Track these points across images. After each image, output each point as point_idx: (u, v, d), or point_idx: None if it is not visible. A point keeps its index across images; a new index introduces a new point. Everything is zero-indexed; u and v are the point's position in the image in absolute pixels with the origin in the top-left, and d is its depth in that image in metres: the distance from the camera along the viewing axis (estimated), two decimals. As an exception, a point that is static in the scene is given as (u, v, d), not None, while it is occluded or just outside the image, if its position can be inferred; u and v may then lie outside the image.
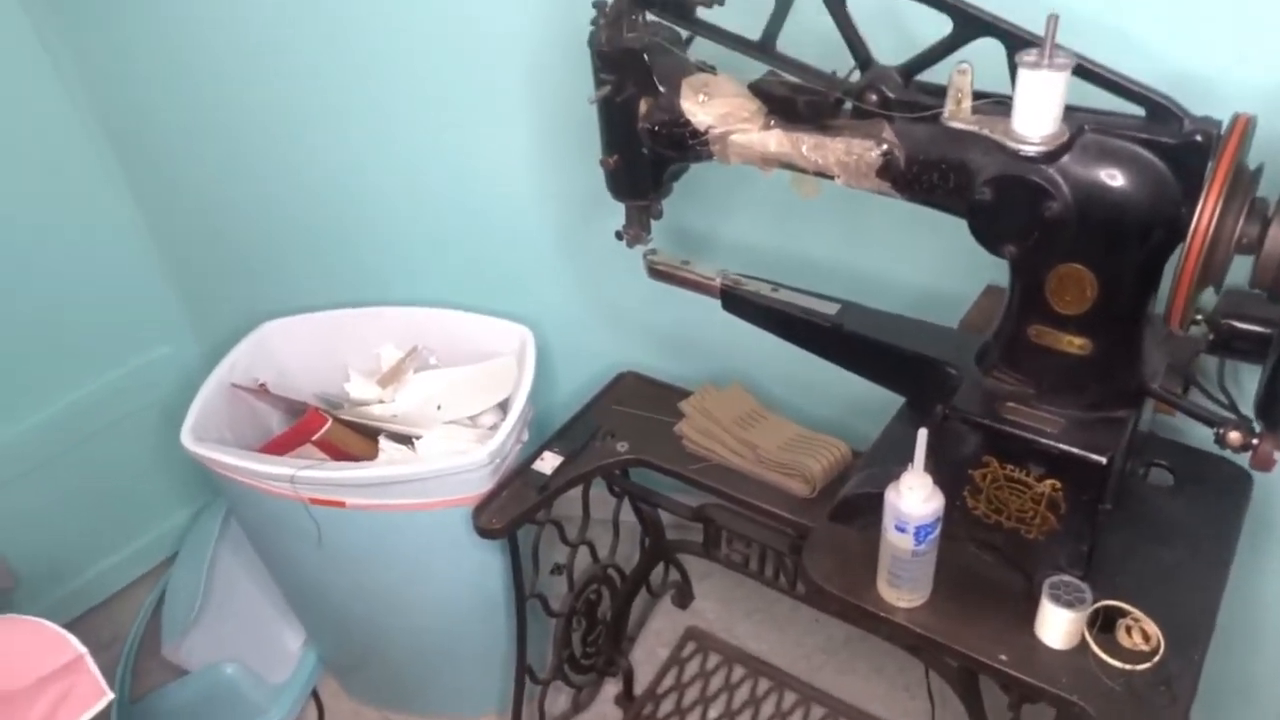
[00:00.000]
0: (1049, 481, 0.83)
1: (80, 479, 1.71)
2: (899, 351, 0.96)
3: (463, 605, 1.46)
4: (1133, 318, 0.79)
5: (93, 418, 1.70)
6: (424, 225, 1.52)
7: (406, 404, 1.52)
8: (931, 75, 0.82)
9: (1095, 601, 0.86)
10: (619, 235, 1.06)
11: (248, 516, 1.46)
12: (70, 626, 0.94)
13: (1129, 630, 0.87)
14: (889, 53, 0.83)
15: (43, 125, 1.55)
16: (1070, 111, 0.74)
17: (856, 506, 0.98)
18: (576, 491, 1.37)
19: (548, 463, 1.33)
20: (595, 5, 0.90)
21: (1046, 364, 0.83)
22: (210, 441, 1.38)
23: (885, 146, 0.81)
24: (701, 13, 0.88)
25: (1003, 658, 0.87)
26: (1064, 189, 0.73)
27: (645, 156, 0.97)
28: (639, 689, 1.63)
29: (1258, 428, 0.76)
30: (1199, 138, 0.70)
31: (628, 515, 1.52)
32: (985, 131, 0.74)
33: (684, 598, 1.78)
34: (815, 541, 1.00)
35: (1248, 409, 0.95)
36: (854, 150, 0.83)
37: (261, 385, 1.51)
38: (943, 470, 0.88)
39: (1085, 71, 0.72)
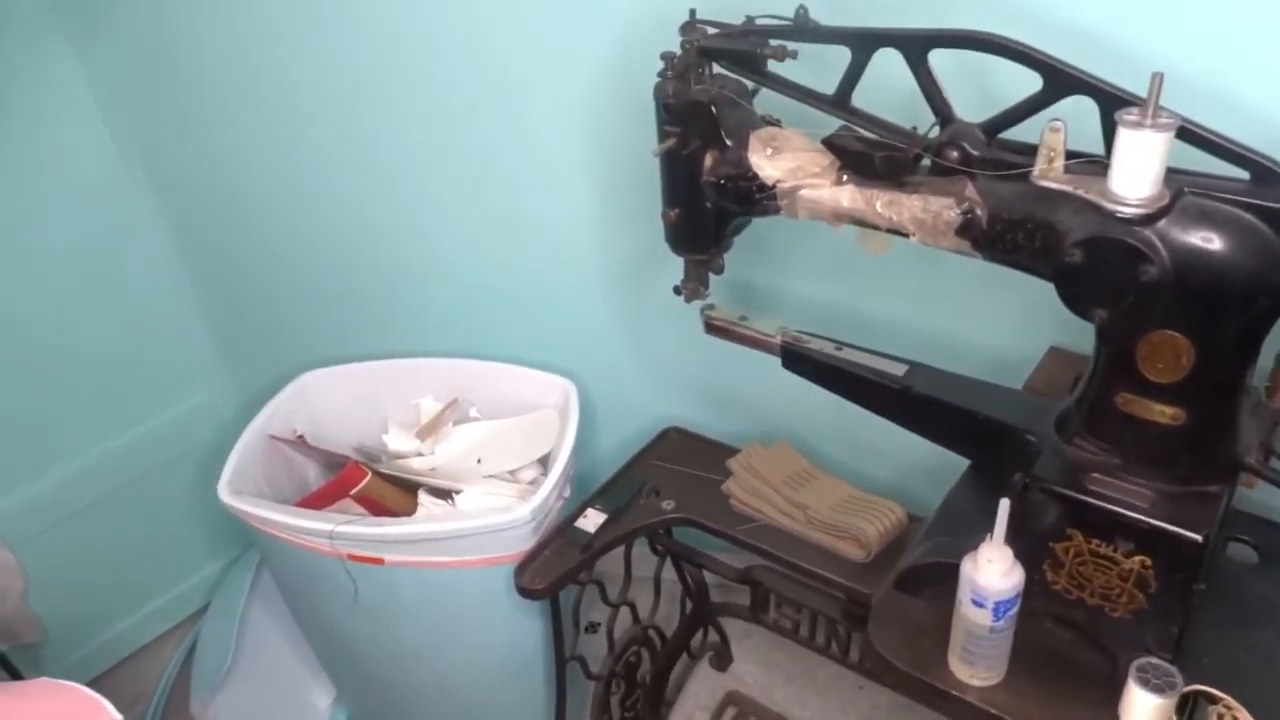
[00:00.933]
0: (1138, 558, 0.79)
1: (111, 531, 1.69)
2: (973, 415, 0.92)
3: (499, 666, 1.42)
4: (1229, 388, 0.75)
5: (126, 468, 1.69)
6: (466, 276, 1.50)
7: (446, 457, 1.50)
8: (1013, 134, 0.79)
9: (1184, 686, 0.81)
10: (677, 290, 1.03)
11: (282, 571, 1.43)
12: (96, 682, 0.91)
13: (1220, 718, 0.82)
14: (969, 110, 0.80)
15: (86, 170, 1.55)
16: (1169, 174, 0.70)
17: (924, 576, 0.94)
18: (618, 549, 1.33)
19: (591, 520, 1.30)
20: (663, 57, 0.88)
21: (1135, 434, 0.79)
22: (247, 494, 1.36)
23: (966, 205, 0.78)
24: (773, 65, 0.86)
25: (1086, 744, 0.82)
26: (1162, 252, 0.70)
27: (708, 210, 0.95)
28: (678, 756, 1.57)
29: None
30: (1309, 202, 0.66)
31: (668, 573, 1.47)
32: (1080, 192, 0.71)
33: (723, 660, 1.73)
34: (881, 612, 0.95)
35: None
36: (932, 208, 0.80)
37: (300, 436, 1.49)
38: (1020, 542, 0.84)
39: (1186, 132, 0.68)
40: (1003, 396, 0.95)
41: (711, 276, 1.06)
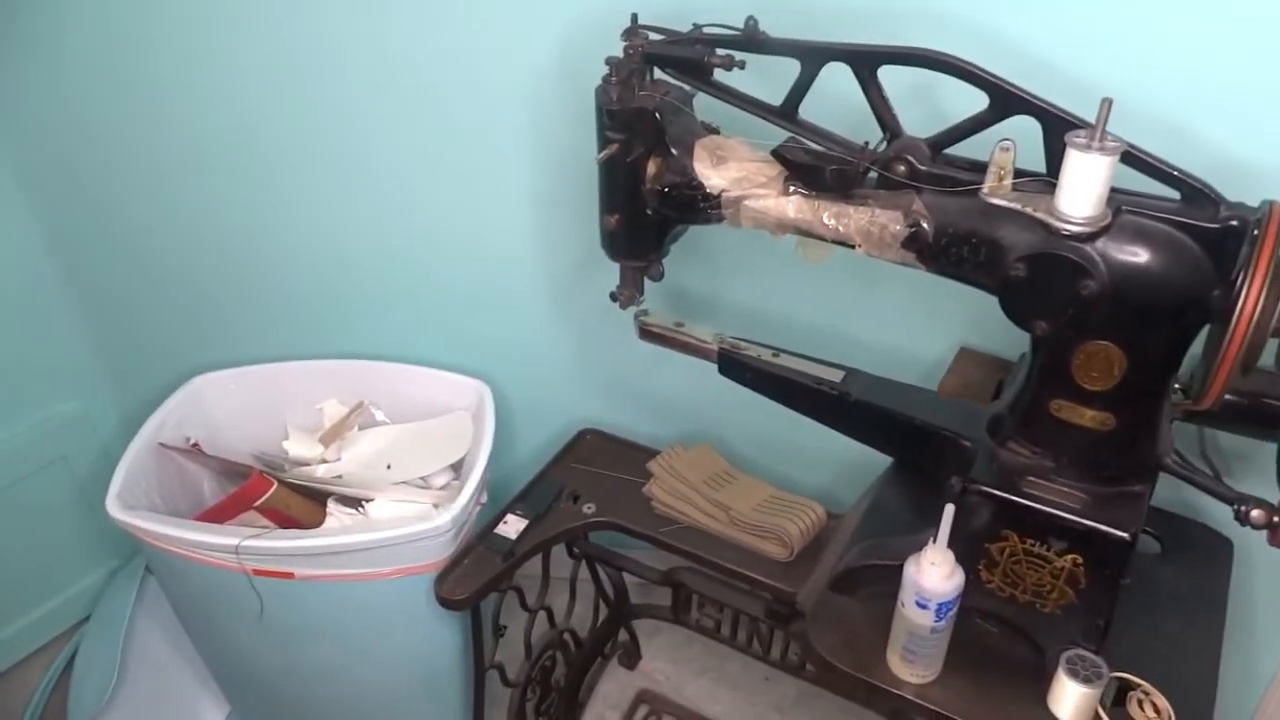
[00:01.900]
0: (1070, 556, 0.83)
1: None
2: (910, 421, 0.94)
3: (414, 679, 1.38)
4: (1156, 394, 0.80)
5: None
6: (372, 275, 1.44)
7: (353, 463, 1.44)
8: (957, 150, 0.82)
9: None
10: (613, 296, 1.02)
11: (177, 588, 1.35)
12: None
13: (1140, 704, 0.87)
14: (917, 125, 0.82)
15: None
16: (1110, 192, 0.74)
17: (861, 577, 0.96)
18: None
19: (512, 527, 1.27)
20: (608, 62, 0.87)
21: (1067, 438, 0.83)
22: (138, 507, 1.27)
23: (913, 218, 0.80)
24: (720, 75, 0.86)
25: (1018, 735, 0.85)
26: (1101, 268, 0.73)
27: (649, 218, 0.94)
28: (591, 757, 1.57)
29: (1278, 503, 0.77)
30: (1235, 223, 0.71)
31: (583, 574, 1.47)
32: (1027, 209, 0.74)
33: (632, 658, 1.73)
34: (817, 614, 0.97)
35: (1230, 478, 0.99)
36: (879, 220, 0.82)
37: (193, 444, 1.40)
38: (956, 543, 0.87)
39: (1127, 154, 0.72)
40: (934, 402, 0.98)
41: (647, 282, 1.05)
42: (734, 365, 1.02)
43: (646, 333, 1.07)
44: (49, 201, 1.50)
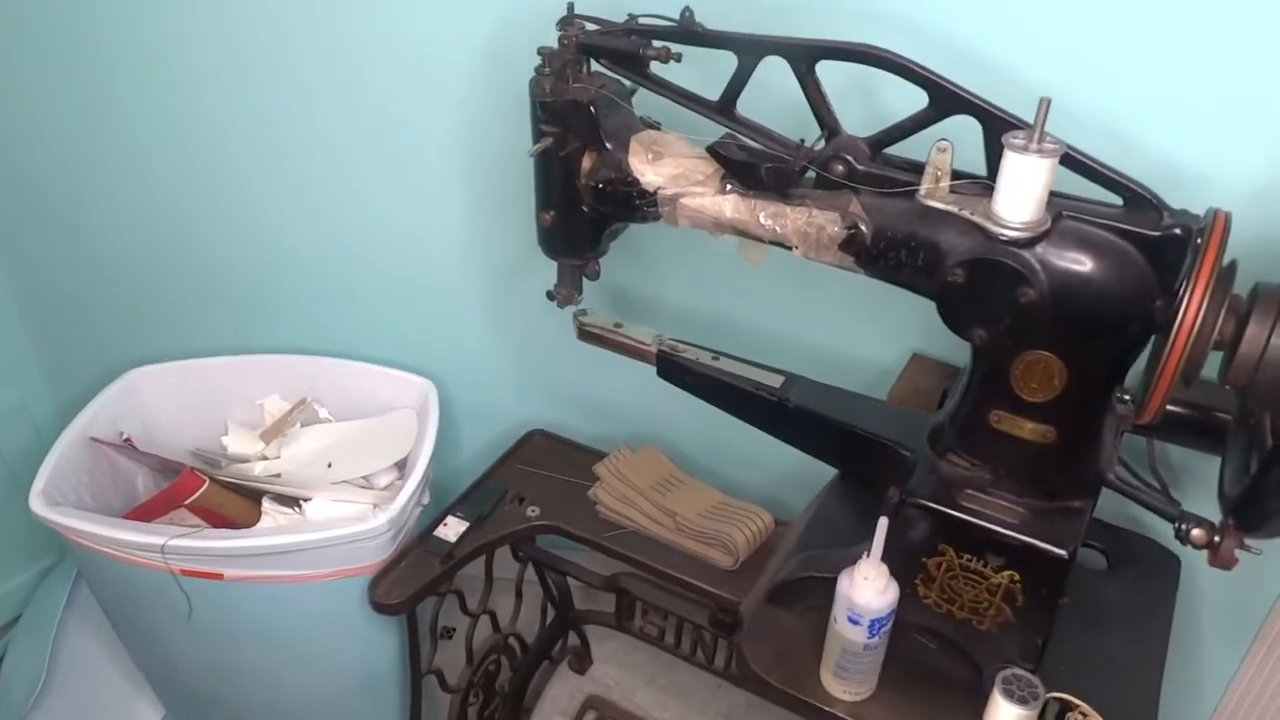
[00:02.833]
0: (1008, 573, 0.80)
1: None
2: (850, 430, 0.91)
3: (350, 683, 1.34)
4: (1098, 407, 0.77)
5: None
6: (316, 270, 1.40)
7: (293, 462, 1.40)
8: (898, 150, 0.79)
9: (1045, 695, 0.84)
10: (550, 295, 0.98)
11: (105, 588, 1.31)
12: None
13: (1078, 724, 0.84)
14: (857, 124, 0.79)
15: None
16: (1050, 197, 0.71)
17: (797, 590, 0.93)
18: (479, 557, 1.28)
19: (452, 529, 1.24)
20: (540, 52, 0.83)
21: (1006, 450, 0.80)
22: (66, 504, 1.23)
23: (850, 220, 0.77)
24: (656, 68, 0.83)
25: (952, 756, 0.83)
26: (1040, 275, 0.70)
27: (585, 214, 0.90)
28: (537, 764, 1.53)
29: (1219, 523, 0.75)
30: (1178, 231, 0.68)
31: (530, 578, 1.43)
32: (964, 212, 0.71)
33: (582, 663, 1.70)
34: (753, 627, 0.94)
35: (1180, 494, 0.97)
36: (816, 221, 0.79)
37: (126, 440, 1.35)
38: (892, 556, 0.84)
39: (1066, 157, 0.69)
40: (877, 410, 0.95)
41: (587, 282, 1.02)
42: (672, 368, 0.99)
43: (585, 333, 1.03)
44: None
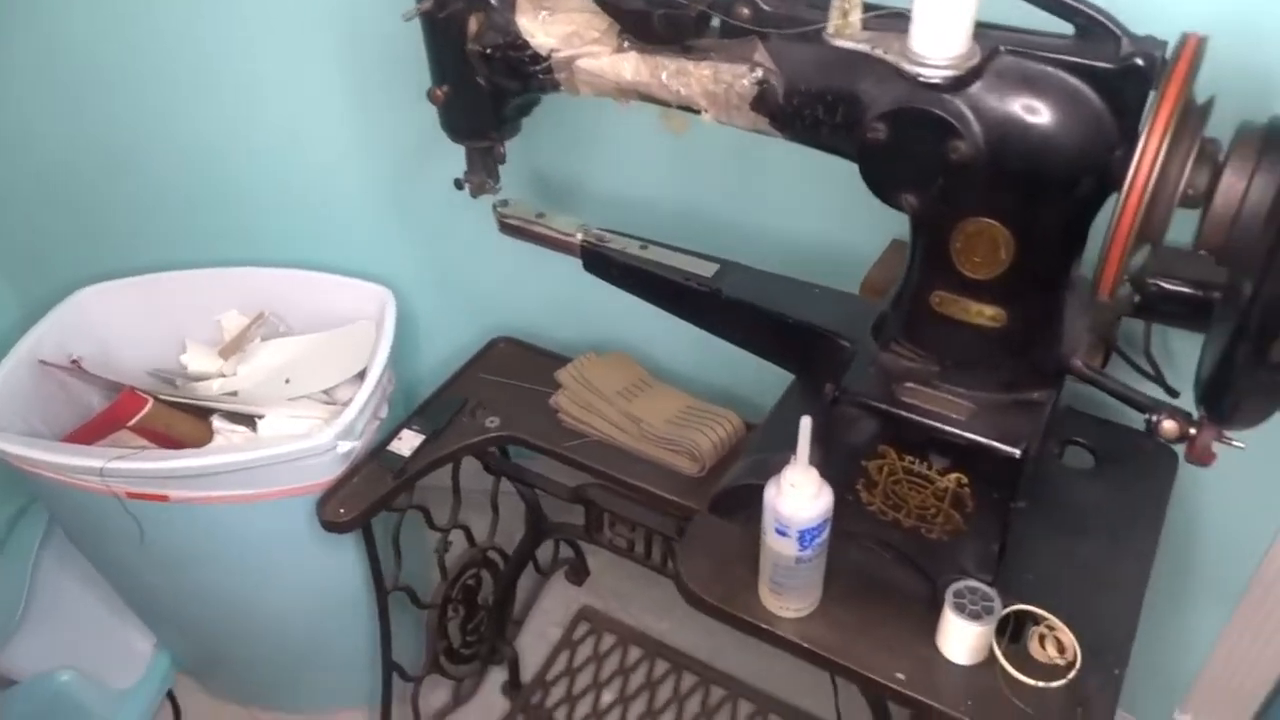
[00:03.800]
0: (953, 475, 0.70)
1: None
2: (783, 320, 0.81)
3: (317, 602, 1.30)
4: (1054, 284, 0.66)
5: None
6: (258, 179, 1.32)
7: (251, 379, 1.34)
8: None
9: (1005, 608, 0.75)
10: (459, 184, 0.88)
11: (62, 514, 1.28)
12: None
13: (1042, 640, 0.76)
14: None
15: None
16: (984, 30, 0.59)
17: (739, 499, 0.85)
18: (445, 471, 1.22)
19: (406, 443, 1.17)
20: (407, -103, 0.72)
21: (952, 338, 0.69)
22: (12, 430, 1.19)
23: (759, 72, 0.66)
24: (538, -95, 0.71)
25: (900, 676, 0.75)
26: (973, 125, 0.59)
27: (482, 87, 0.80)
28: (527, 675, 1.50)
29: (1195, 415, 0.64)
30: (1140, 61, 0.56)
31: (510, 490, 1.37)
32: (878, 51, 0.59)
33: (579, 574, 1.65)
34: (692, 539, 0.86)
35: (1177, 380, 0.85)
36: (723, 78, 0.67)
37: (74, 361, 1.31)
38: (833, 461, 0.75)
39: (999, -25, 0.57)
40: (823, 299, 0.85)
41: (513, 168, 0.92)
42: (598, 261, 0.89)
43: (505, 225, 0.94)
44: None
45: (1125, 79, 0.56)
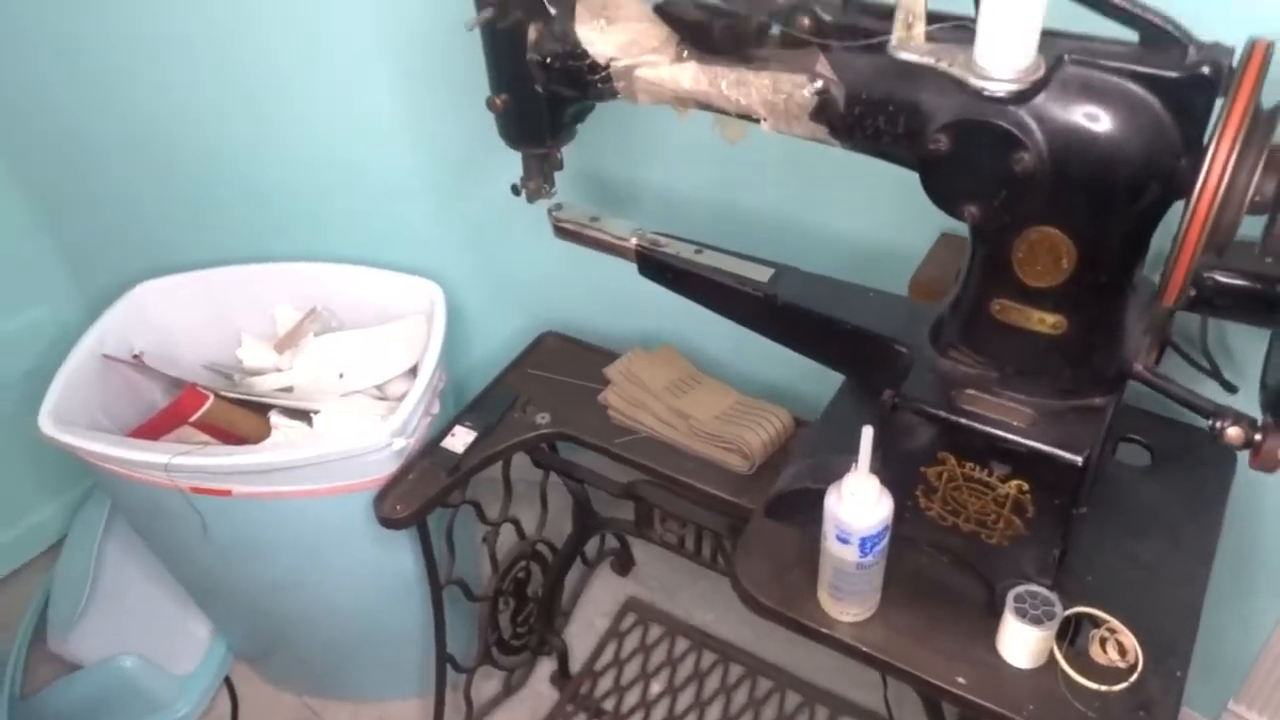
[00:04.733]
0: (1014, 482, 0.71)
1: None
2: (840, 325, 0.81)
3: (374, 594, 1.33)
4: (1116, 290, 0.66)
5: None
6: (310, 178, 1.34)
7: (306, 372, 1.37)
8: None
9: (1065, 610, 0.75)
10: (516, 189, 0.90)
11: (126, 506, 1.32)
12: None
13: (1103, 644, 0.76)
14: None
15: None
16: (1048, 38, 0.59)
17: (795, 503, 0.85)
18: (496, 466, 1.24)
19: (459, 439, 1.19)
20: (467, -93, 0.73)
21: (1012, 345, 0.69)
22: (78, 424, 1.22)
23: (820, 83, 0.66)
24: (596, -84, 0.72)
25: (960, 680, 0.75)
26: (1038, 136, 0.59)
27: (539, 95, 0.81)
28: (576, 666, 1.53)
29: (1260, 420, 0.63)
30: (1206, 70, 0.55)
31: (558, 484, 1.39)
32: (942, 65, 0.59)
33: (624, 564, 1.67)
34: (749, 542, 0.87)
35: (1234, 375, 0.84)
36: (783, 88, 0.68)
37: (137, 356, 1.34)
38: (891, 466, 0.75)
39: (1068, -13, 0.57)
40: (879, 303, 0.85)
41: (568, 171, 0.93)
42: (653, 265, 0.90)
43: (560, 229, 0.95)
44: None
45: (1192, 87, 0.56)
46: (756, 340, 1.19)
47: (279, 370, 1.39)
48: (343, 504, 1.19)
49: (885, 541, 0.74)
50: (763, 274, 0.85)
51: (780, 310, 0.84)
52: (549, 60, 0.77)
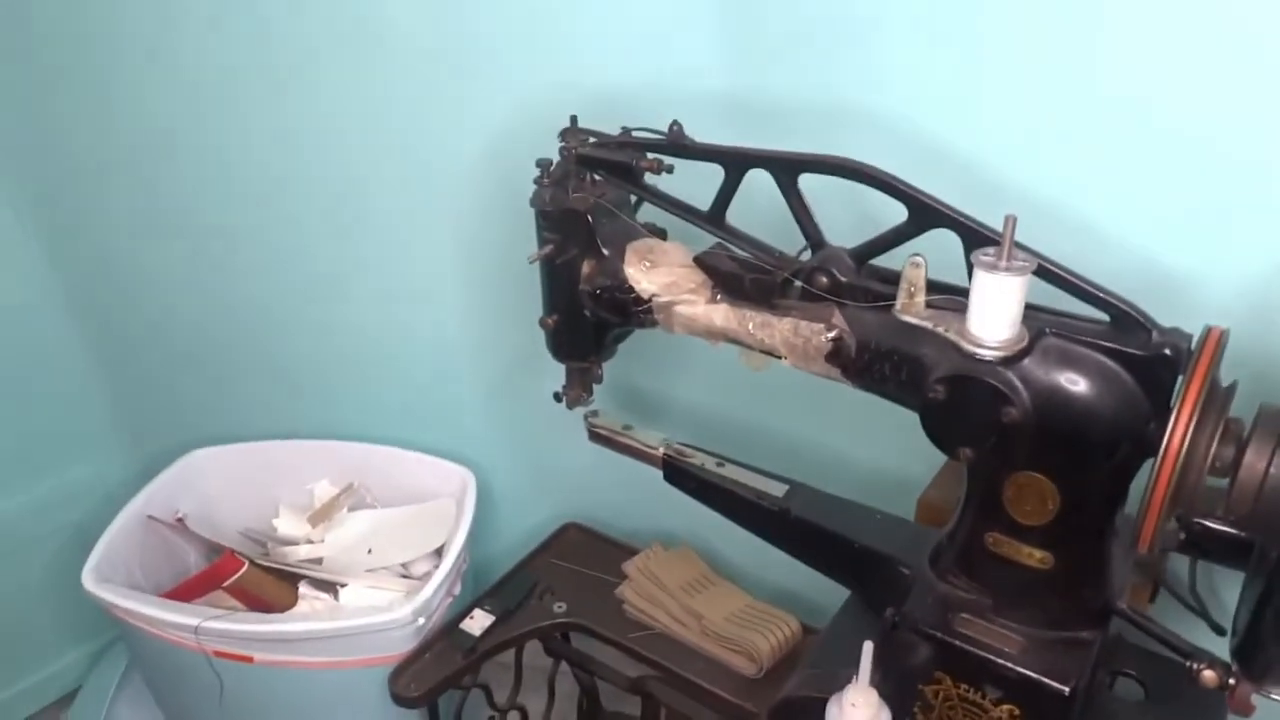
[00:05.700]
0: (1006, 707, 0.75)
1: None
2: (847, 543, 0.88)
3: (377, 773, 1.33)
4: (1098, 533, 0.73)
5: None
6: (366, 365, 1.46)
7: (336, 545, 1.43)
8: (890, 260, 0.77)
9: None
10: (557, 397, 0.99)
11: (148, 664, 1.36)
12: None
13: None
14: (848, 231, 0.78)
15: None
16: (1032, 311, 0.69)
17: (799, 710, 0.89)
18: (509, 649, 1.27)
19: (477, 623, 1.24)
20: (539, 164, 0.86)
21: (1005, 575, 0.76)
22: (117, 581, 1.28)
23: (835, 332, 0.76)
24: (650, 178, 0.84)
25: None
26: (1023, 394, 0.67)
27: (587, 319, 0.91)
28: None
29: (1234, 666, 0.69)
30: (1168, 351, 0.64)
31: (567, 674, 1.41)
32: (940, 329, 0.69)
33: (624, 763, 1.65)
34: (753, 747, 0.90)
35: (1221, 617, 0.89)
36: (803, 332, 0.78)
37: (180, 519, 1.41)
38: (891, 681, 0.80)
39: (1046, 272, 0.67)
40: (884, 524, 0.92)
41: (607, 383, 1.02)
42: (677, 473, 0.97)
43: (594, 435, 1.04)
44: (71, 259, 1.57)
45: (1156, 364, 0.65)
46: (771, 549, 1.25)
47: (310, 542, 1.45)
48: (359, 678, 1.22)
49: (883, 756, 0.78)
50: (778, 489, 0.92)
51: (792, 524, 0.91)
52: (599, 292, 0.88)
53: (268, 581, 1.33)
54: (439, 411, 1.47)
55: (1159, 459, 0.62)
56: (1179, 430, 0.61)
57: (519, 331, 1.30)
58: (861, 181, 0.72)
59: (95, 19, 1.32)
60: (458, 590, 1.32)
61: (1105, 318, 0.68)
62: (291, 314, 1.48)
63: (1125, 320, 0.67)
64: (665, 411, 1.24)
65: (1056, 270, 0.67)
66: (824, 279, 0.76)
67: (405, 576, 1.41)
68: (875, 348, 0.74)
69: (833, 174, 0.73)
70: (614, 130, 0.86)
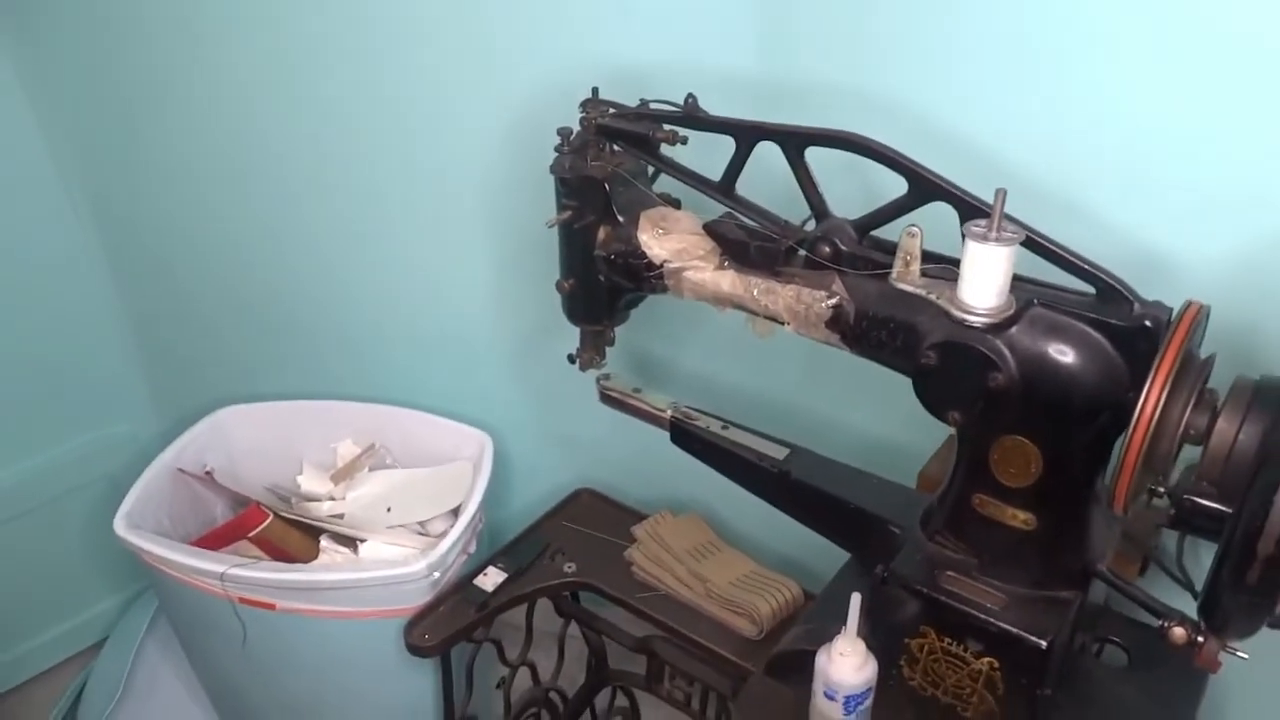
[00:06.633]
0: (986, 660, 0.79)
1: (14, 555, 1.66)
2: (843, 504, 0.92)
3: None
4: (1079, 496, 0.76)
5: (36, 491, 1.66)
6: (389, 327, 1.51)
7: (356, 503, 1.48)
8: (889, 231, 0.81)
9: (1030, 793, 0.81)
10: (571, 359, 1.03)
11: (175, 609, 1.41)
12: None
13: (1065, 826, 0.81)
14: (852, 203, 0.82)
15: (10, 173, 1.54)
16: (1021, 283, 0.72)
17: (793, 662, 0.93)
18: (521, 608, 1.32)
19: (490, 579, 1.28)
20: (559, 132, 0.90)
21: (990, 535, 0.80)
22: (146, 529, 1.34)
23: (835, 299, 0.79)
24: (665, 149, 0.88)
25: (931, 846, 0.81)
26: (1010, 361, 0.71)
27: (601, 283, 0.96)
28: (576, 822, 1.54)
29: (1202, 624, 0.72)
30: (1148, 323, 0.68)
31: (575, 634, 1.46)
32: (933, 297, 0.73)
33: (630, 725, 1.70)
34: (748, 698, 0.95)
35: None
36: (804, 299, 0.81)
37: (208, 472, 1.47)
38: (879, 635, 0.84)
39: (1035, 245, 0.70)
40: (880, 488, 0.96)
41: (619, 347, 1.07)
42: (683, 435, 1.02)
43: (606, 396, 1.08)
44: (114, 226, 1.64)
45: (1136, 335, 0.68)
46: (776, 516, 1.29)
47: (333, 499, 1.51)
48: (375, 628, 1.27)
49: (868, 702, 0.82)
50: (779, 452, 0.97)
51: (792, 485, 0.95)
52: (613, 257, 0.92)
53: (291, 534, 1.39)
54: (460, 377, 1.52)
55: (1132, 422, 0.65)
56: (1152, 396, 0.65)
57: (538, 302, 1.35)
58: (865, 155, 0.76)
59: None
60: (473, 549, 1.37)
61: (1091, 290, 0.71)
62: (320, 279, 1.53)
63: (1109, 292, 0.70)
64: (673, 376, 1.28)
65: (1044, 242, 0.70)
66: (826, 248, 0.79)
67: (423, 534, 1.46)
68: (873, 315, 0.78)
69: (838, 147, 0.77)
70: (634, 103, 0.89)
